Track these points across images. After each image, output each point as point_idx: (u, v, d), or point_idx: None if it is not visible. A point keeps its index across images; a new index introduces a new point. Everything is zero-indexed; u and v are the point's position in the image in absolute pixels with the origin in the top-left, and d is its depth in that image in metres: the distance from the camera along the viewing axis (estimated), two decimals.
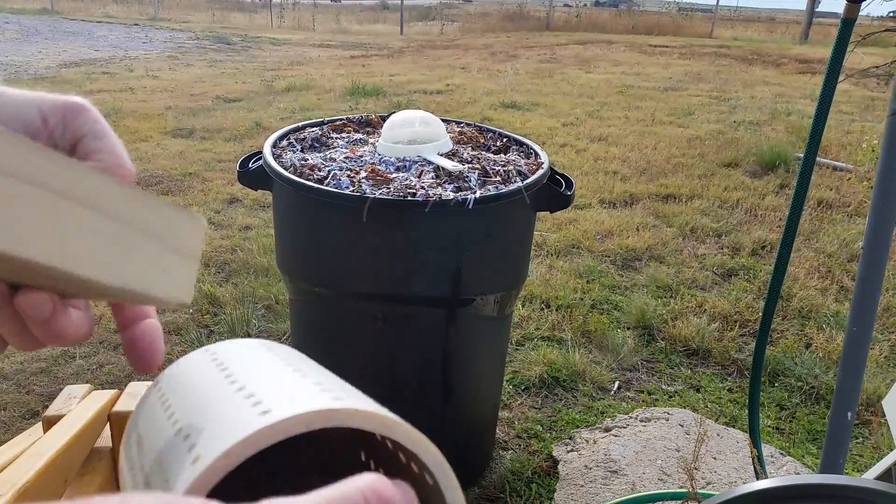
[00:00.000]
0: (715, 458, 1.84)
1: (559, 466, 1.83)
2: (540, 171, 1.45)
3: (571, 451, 1.89)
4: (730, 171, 4.55)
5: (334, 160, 1.50)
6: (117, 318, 0.37)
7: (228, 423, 0.26)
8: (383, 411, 0.27)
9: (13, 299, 0.30)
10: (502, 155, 1.62)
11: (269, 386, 0.29)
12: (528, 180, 1.40)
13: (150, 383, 0.80)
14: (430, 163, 1.48)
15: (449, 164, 1.44)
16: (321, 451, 0.35)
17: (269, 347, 0.37)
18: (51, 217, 0.26)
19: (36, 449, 0.67)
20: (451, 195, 1.32)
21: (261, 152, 1.52)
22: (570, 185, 1.50)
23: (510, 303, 1.61)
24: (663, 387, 2.24)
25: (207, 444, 0.25)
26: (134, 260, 0.30)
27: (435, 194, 1.31)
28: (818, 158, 3.15)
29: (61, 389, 0.85)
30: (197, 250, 0.34)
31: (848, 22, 1.17)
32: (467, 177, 1.41)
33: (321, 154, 1.56)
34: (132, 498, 0.19)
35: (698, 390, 2.22)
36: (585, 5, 21.05)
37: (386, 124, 1.61)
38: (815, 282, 2.96)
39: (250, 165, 1.53)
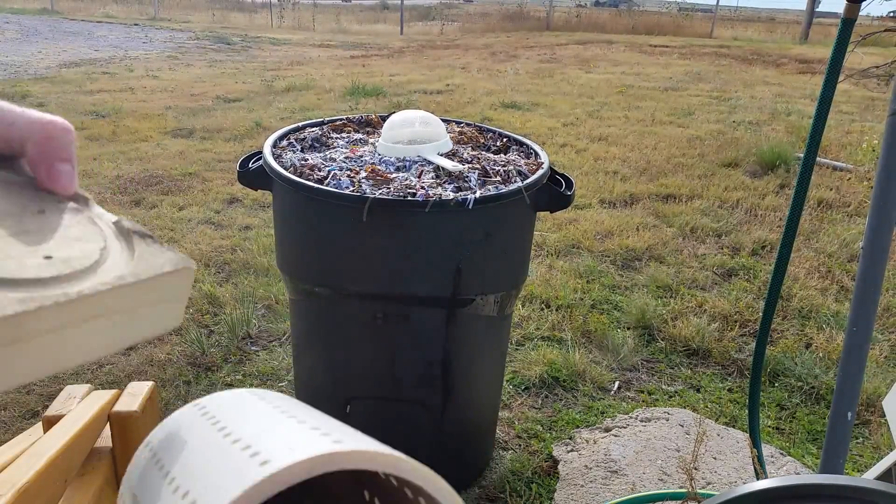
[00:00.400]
0: (715, 458, 1.84)
1: (559, 466, 1.83)
2: (540, 171, 1.45)
3: (571, 451, 1.89)
4: (730, 171, 4.55)
5: (334, 160, 1.50)
6: None
7: (229, 478, 0.26)
8: (385, 449, 0.27)
9: None
10: (502, 155, 1.62)
11: (266, 435, 0.29)
12: (528, 180, 1.40)
13: (150, 383, 0.80)
14: (430, 163, 1.48)
15: (449, 164, 1.44)
16: (324, 494, 0.35)
17: (261, 396, 0.36)
18: (68, 340, 0.30)
19: (36, 449, 0.67)
20: (451, 195, 1.32)
21: (261, 152, 1.52)
22: (570, 185, 1.50)
23: (510, 303, 1.61)
24: (663, 387, 2.24)
25: (206, 497, 0.25)
26: (131, 329, 0.34)
27: (435, 194, 1.31)
28: (818, 158, 3.16)
29: (61, 389, 0.85)
30: (186, 292, 0.36)
31: (848, 22, 1.17)
32: (467, 177, 1.41)
33: (321, 154, 1.56)
34: None
35: (698, 390, 2.22)
36: (585, 5, 21.05)
37: (386, 124, 1.61)
38: (815, 282, 2.96)
39: (250, 165, 1.53)
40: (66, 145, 0.37)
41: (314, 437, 0.28)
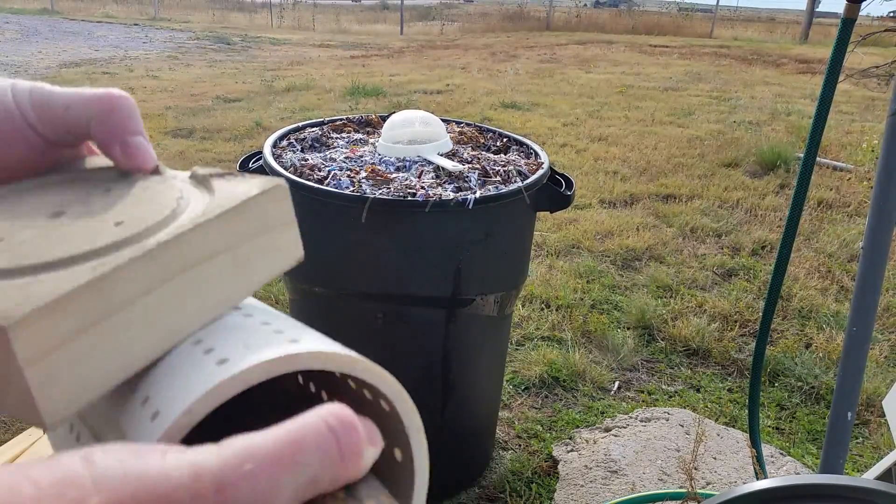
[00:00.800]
0: (715, 458, 1.84)
1: (559, 466, 1.83)
2: (540, 171, 1.45)
3: (571, 451, 1.89)
4: (730, 171, 4.56)
5: (334, 160, 1.50)
6: None
7: (183, 376, 0.25)
8: (340, 349, 0.26)
9: None
10: (502, 155, 1.62)
11: (216, 330, 0.28)
12: (528, 180, 1.40)
13: None
14: (430, 163, 1.48)
15: (449, 164, 1.44)
16: (267, 386, 0.35)
17: None
18: (174, 298, 0.27)
19: (36, 449, 0.67)
20: (451, 195, 1.32)
21: (261, 152, 1.52)
22: (570, 185, 1.50)
23: (510, 303, 1.61)
24: (663, 387, 2.24)
25: (165, 399, 0.24)
26: (247, 270, 0.31)
27: (435, 194, 1.31)
28: (818, 158, 3.16)
29: None
30: (289, 213, 0.33)
31: (848, 22, 1.17)
32: (467, 177, 1.41)
33: (321, 154, 1.56)
34: (96, 451, 0.19)
35: (698, 390, 2.22)
36: (585, 5, 21.05)
37: (386, 124, 1.61)
38: (815, 282, 2.96)
39: (250, 165, 1.53)
40: (132, 115, 0.34)
41: (269, 335, 0.27)
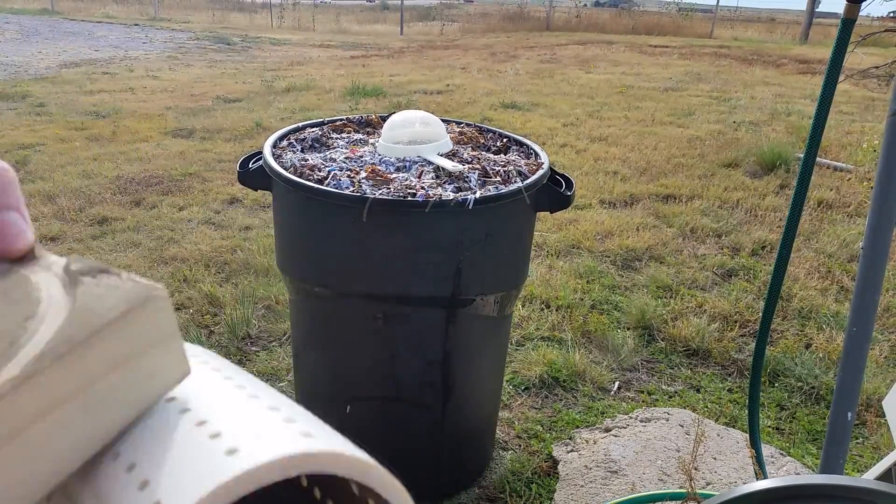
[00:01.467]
0: (715, 459, 1.84)
1: (559, 466, 1.83)
2: (540, 172, 1.45)
3: (571, 451, 1.89)
4: (730, 172, 4.56)
5: (334, 160, 1.50)
6: None
7: (190, 466, 0.23)
8: (356, 452, 0.24)
9: None
10: (502, 155, 1.62)
11: (222, 410, 0.25)
12: (528, 180, 1.40)
13: None
14: (430, 163, 1.48)
15: (449, 165, 1.44)
16: None
17: (202, 359, 0.31)
18: (62, 435, 0.24)
19: None
20: (451, 195, 1.32)
21: (261, 152, 1.52)
22: (570, 185, 1.50)
23: (510, 303, 1.61)
24: (663, 387, 2.24)
25: (170, 494, 0.22)
26: (113, 408, 0.26)
27: (435, 194, 1.31)
28: (818, 159, 3.16)
29: None
30: (171, 325, 0.28)
31: (848, 22, 1.17)
32: (467, 177, 1.41)
33: (321, 154, 1.56)
34: None
35: (698, 390, 2.22)
36: (585, 5, 21.04)
37: (386, 125, 1.61)
38: (815, 282, 2.96)
39: (250, 166, 1.53)
40: (9, 189, 0.29)
41: (278, 423, 0.24)
